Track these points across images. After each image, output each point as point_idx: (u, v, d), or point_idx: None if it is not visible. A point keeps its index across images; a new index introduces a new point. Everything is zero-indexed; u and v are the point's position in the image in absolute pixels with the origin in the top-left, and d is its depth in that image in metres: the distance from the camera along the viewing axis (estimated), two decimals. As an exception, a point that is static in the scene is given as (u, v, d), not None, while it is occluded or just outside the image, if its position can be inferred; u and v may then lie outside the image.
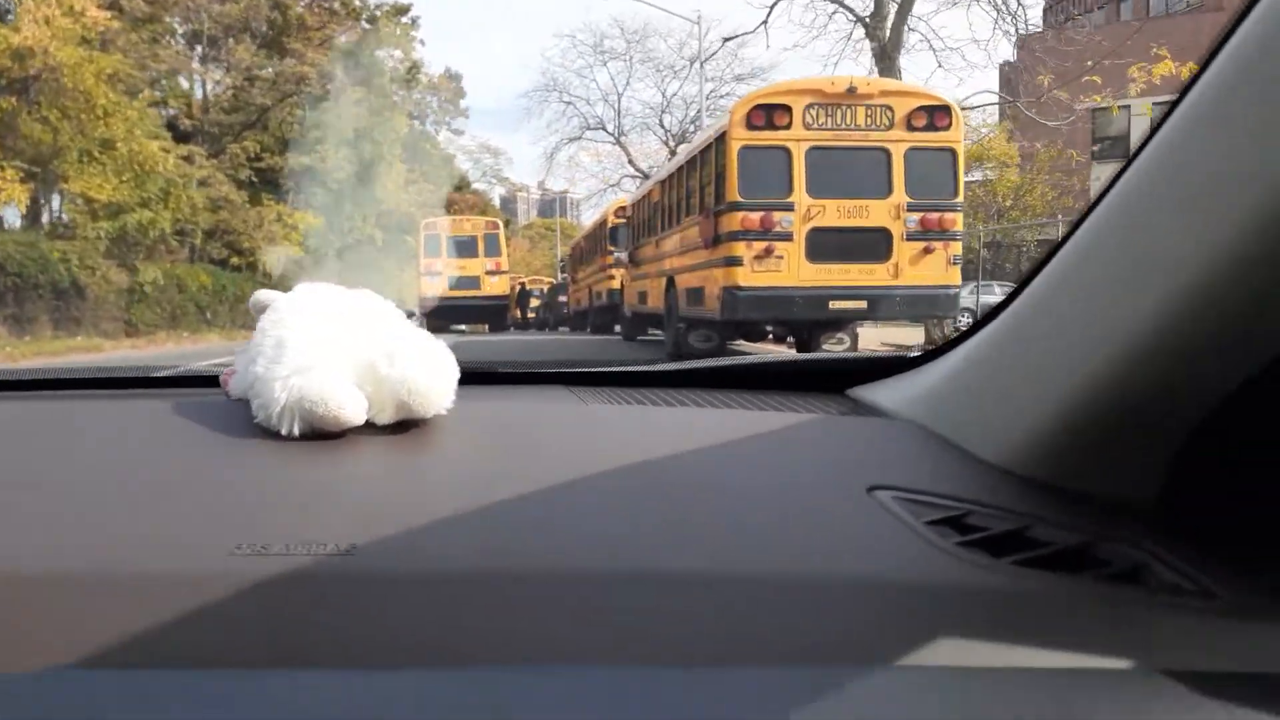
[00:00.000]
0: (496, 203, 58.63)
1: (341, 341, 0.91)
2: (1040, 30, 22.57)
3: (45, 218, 21.33)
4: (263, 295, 1.06)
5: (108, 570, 0.66)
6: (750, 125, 9.21)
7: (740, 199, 9.22)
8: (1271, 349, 0.61)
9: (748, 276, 9.22)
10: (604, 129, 36.90)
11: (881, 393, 1.06)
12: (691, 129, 34.10)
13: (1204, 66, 0.58)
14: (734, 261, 9.25)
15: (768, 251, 9.20)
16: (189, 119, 31.17)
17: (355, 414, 0.87)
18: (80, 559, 0.67)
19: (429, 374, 0.90)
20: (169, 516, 0.74)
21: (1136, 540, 0.69)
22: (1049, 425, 0.74)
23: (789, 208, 9.19)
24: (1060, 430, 0.73)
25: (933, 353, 1.00)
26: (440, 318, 22.40)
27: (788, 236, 9.22)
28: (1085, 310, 0.69)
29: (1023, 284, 0.79)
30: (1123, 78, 15.43)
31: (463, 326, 24.71)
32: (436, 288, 25.91)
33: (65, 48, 18.34)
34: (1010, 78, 21.13)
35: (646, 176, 37.73)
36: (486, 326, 27.43)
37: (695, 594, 0.64)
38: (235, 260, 35.04)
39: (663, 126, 35.45)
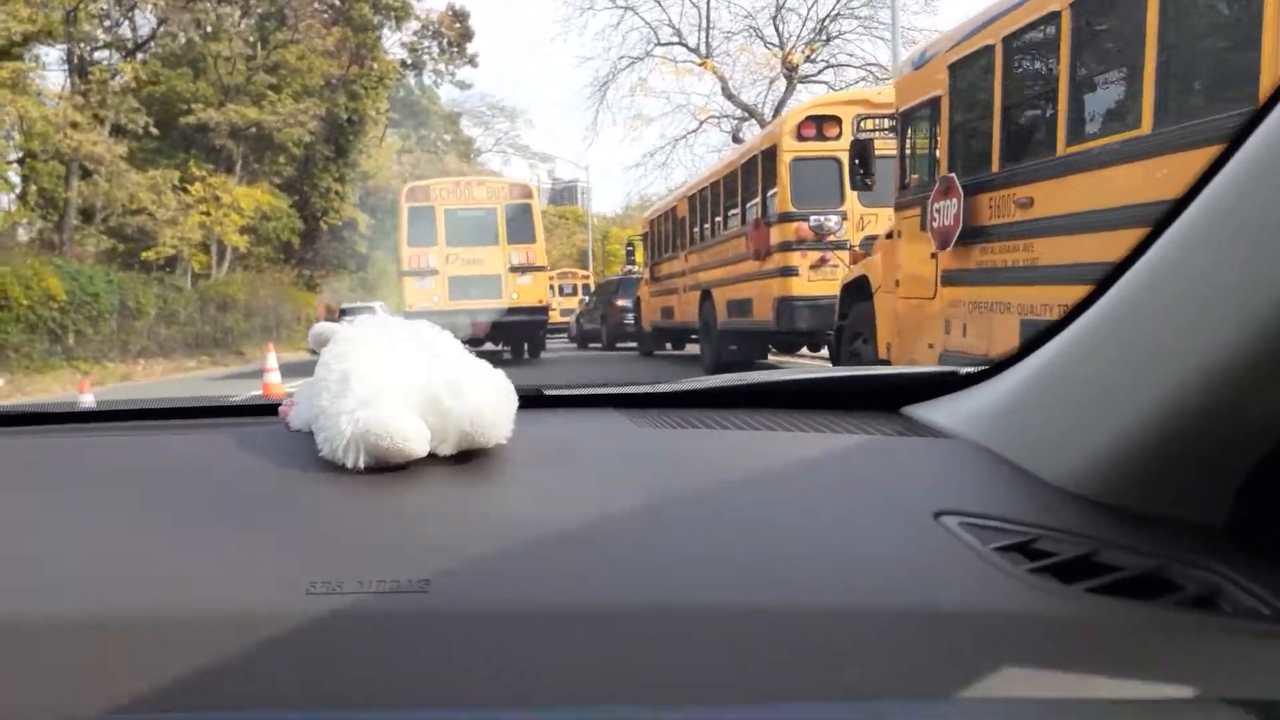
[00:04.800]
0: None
1: (404, 374, 0.91)
2: None
3: None
4: (324, 328, 1.02)
5: (184, 610, 0.65)
6: None
7: None
8: None
9: None
10: (682, 43, 25.05)
11: (938, 411, 1.03)
12: (822, 38, 22.80)
13: None
14: None
15: None
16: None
17: (419, 446, 0.87)
18: (154, 598, 0.67)
19: (492, 404, 0.90)
20: (243, 553, 0.73)
21: (1209, 564, 0.67)
22: (1117, 447, 0.72)
23: None
24: (1129, 452, 0.71)
25: (990, 370, 0.96)
26: None
27: None
28: (1158, 328, 0.67)
29: (1088, 299, 0.76)
30: None
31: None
32: (429, 295, 15.07)
33: None
34: None
35: (752, 112, 26.62)
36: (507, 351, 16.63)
37: (762, 628, 0.63)
38: (149, 255, 24.32)
39: (779, 35, 23.68)
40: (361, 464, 0.85)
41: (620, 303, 20.67)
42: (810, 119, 9.51)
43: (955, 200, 5.64)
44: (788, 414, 1.09)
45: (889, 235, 7.18)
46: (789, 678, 0.60)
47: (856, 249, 8.31)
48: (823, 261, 9.36)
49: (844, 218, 9.28)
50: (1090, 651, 0.61)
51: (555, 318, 24.76)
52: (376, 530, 0.77)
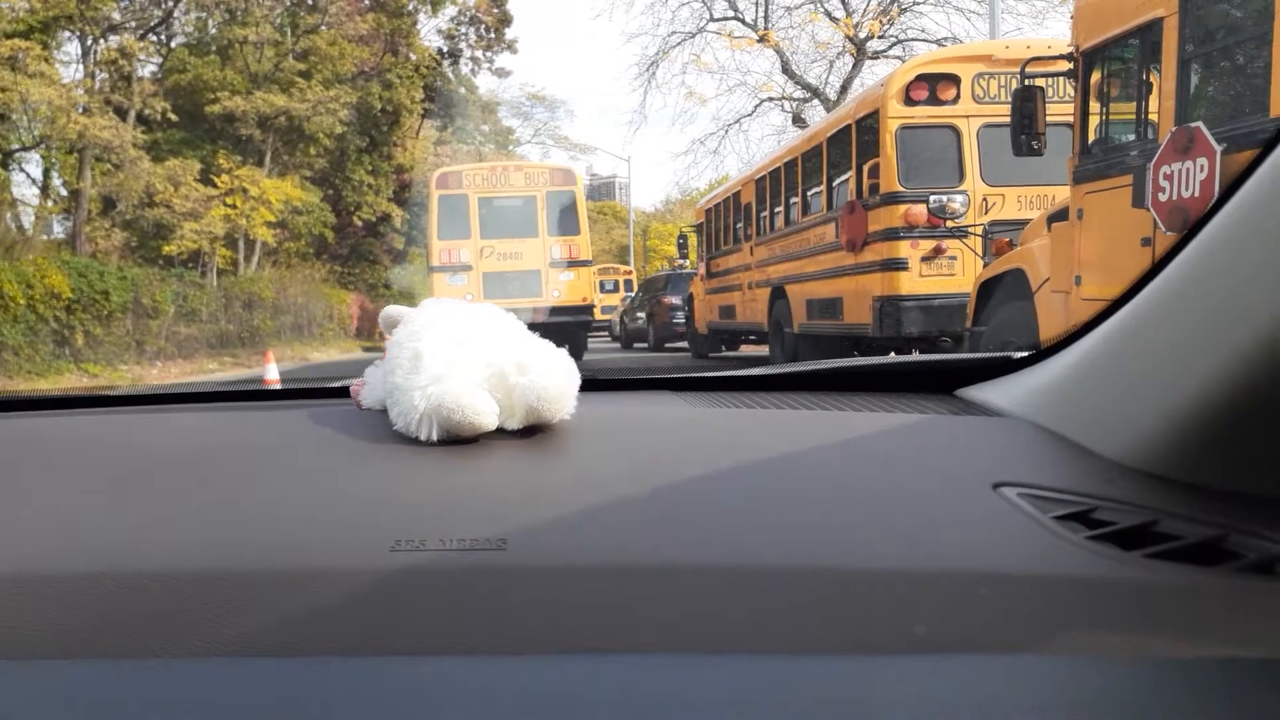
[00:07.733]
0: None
1: (473, 352, 0.93)
2: None
3: None
4: (394, 311, 1.06)
5: (277, 565, 0.69)
6: None
7: None
8: None
9: None
10: (738, 18, 23.00)
11: (992, 392, 1.04)
12: (897, 6, 20.90)
13: None
14: None
15: None
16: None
17: (489, 420, 0.89)
18: (249, 557, 0.70)
19: (557, 381, 0.92)
20: (329, 516, 0.76)
21: (1269, 533, 0.67)
22: (1174, 420, 0.72)
23: None
24: (1186, 425, 0.71)
25: (1043, 352, 0.96)
26: None
27: None
28: (1215, 302, 0.68)
29: (1144, 279, 0.76)
30: None
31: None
32: (461, 293, 13.48)
33: None
34: None
35: (816, 92, 24.06)
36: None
37: (830, 586, 0.64)
38: (169, 249, 23.05)
39: (844, 6, 21.69)
40: (434, 437, 0.89)
41: (669, 300, 18.97)
42: (921, 78, 7.76)
43: (1205, 160, 3.91)
44: (842, 396, 1.11)
45: (1055, 217, 5.45)
46: (859, 632, 0.61)
47: (1001, 238, 6.57)
48: (937, 252, 7.63)
49: (967, 198, 7.55)
50: (1151, 614, 0.62)
51: (596, 315, 23.21)
52: (453, 495, 0.80)
